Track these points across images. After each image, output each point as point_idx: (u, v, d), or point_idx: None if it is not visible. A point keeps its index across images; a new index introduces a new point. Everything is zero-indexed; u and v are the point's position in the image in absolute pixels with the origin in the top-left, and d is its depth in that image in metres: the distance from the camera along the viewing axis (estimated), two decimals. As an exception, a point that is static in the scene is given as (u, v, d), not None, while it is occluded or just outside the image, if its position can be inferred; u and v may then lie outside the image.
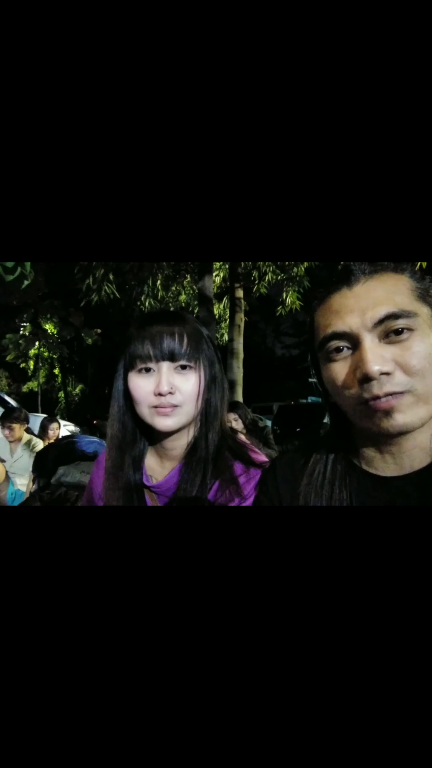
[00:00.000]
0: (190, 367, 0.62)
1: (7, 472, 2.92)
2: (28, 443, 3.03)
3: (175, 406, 0.61)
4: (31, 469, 2.56)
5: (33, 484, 2.52)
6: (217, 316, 8.14)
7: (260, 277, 7.59)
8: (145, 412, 0.62)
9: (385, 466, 0.50)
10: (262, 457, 0.70)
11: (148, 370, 0.62)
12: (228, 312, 7.90)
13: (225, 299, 8.49)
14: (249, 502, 0.63)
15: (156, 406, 0.61)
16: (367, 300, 0.46)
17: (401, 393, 0.44)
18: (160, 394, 0.60)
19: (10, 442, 3.02)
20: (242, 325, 7.57)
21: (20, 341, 14.86)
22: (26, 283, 2.27)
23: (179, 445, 0.67)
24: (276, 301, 8.02)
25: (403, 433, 0.46)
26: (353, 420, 0.49)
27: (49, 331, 14.99)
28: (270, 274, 7.45)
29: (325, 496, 0.52)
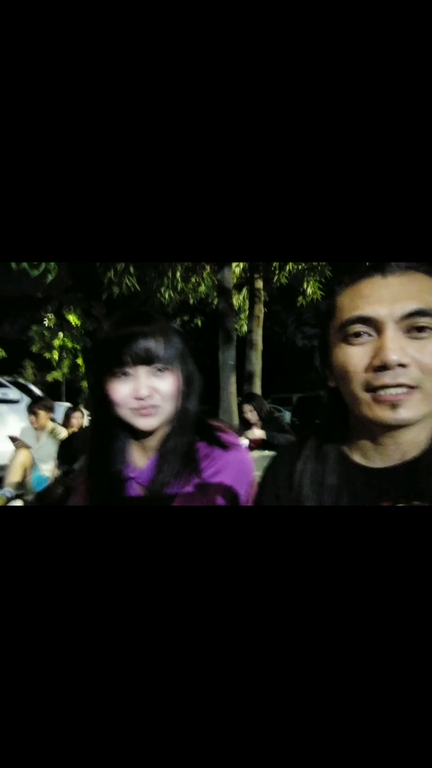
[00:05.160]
0: (167, 369, 0.64)
1: (33, 458, 3.06)
2: (52, 431, 3.17)
3: (156, 406, 0.64)
4: (55, 455, 2.68)
5: (57, 470, 2.64)
6: (236, 308, 8.11)
7: (280, 267, 7.50)
8: (125, 413, 0.64)
9: (376, 457, 0.52)
10: (231, 437, 0.71)
11: (125, 374, 0.63)
12: (247, 303, 7.86)
13: (244, 290, 8.44)
14: (212, 480, 0.64)
15: (137, 408, 0.63)
16: (399, 291, 0.47)
17: (411, 388, 0.46)
18: (139, 398, 0.62)
19: (36, 429, 3.16)
20: (261, 316, 7.50)
21: (45, 332, 15.22)
22: (50, 277, 2.35)
23: (157, 437, 0.69)
24: (297, 291, 7.92)
25: (402, 426, 0.48)
26: (354, 407, 0.51)
27: (72, 322, 15.26)
28: (290, 263, 7.35)
29: (317, 482, 0.55)
